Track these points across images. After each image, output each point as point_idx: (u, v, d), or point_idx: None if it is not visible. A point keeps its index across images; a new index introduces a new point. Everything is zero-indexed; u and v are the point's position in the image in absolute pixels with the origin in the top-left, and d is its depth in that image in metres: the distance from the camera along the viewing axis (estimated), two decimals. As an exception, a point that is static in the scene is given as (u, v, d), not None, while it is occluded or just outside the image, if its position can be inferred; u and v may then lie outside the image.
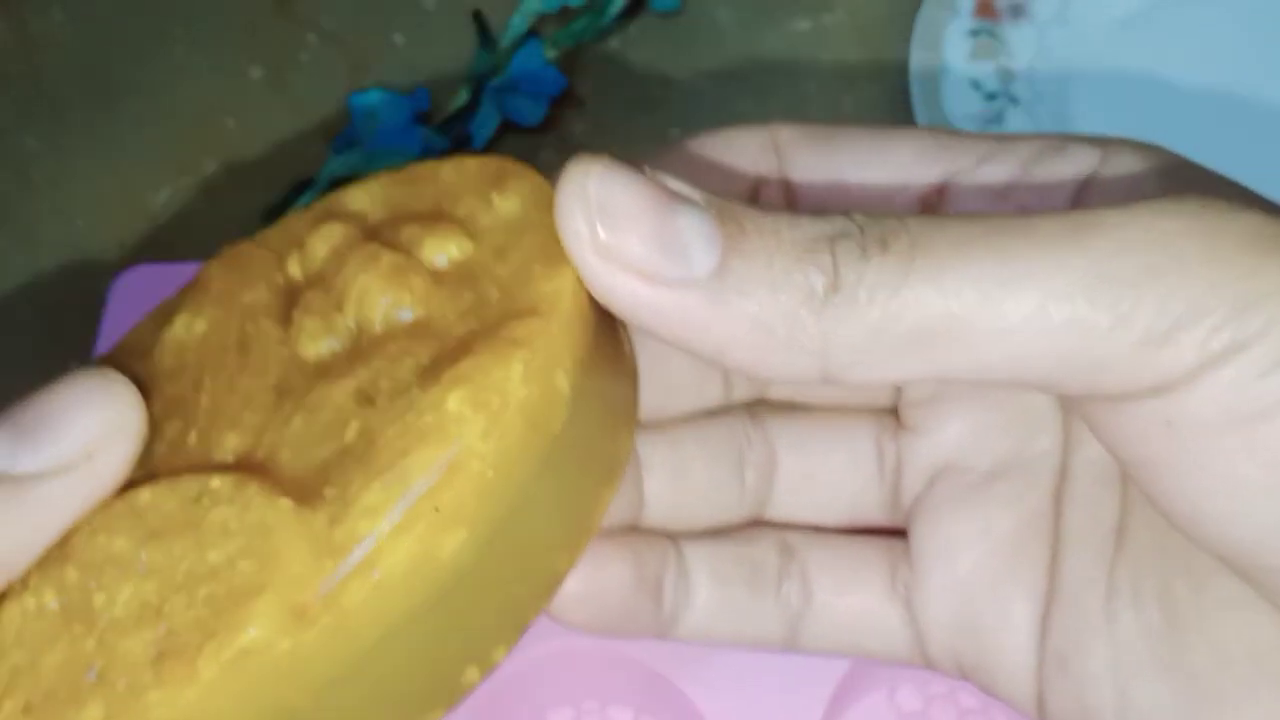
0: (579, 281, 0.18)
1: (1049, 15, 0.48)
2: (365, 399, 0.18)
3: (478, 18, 0.46)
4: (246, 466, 0.18)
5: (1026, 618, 0.21)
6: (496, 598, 0.19)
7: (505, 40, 0.46)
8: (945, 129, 0.21)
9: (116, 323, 0.36)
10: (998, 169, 0.20)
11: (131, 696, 0.16)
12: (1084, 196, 0.20)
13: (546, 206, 0.18)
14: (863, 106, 0.46)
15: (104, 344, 0.35)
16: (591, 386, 0.19)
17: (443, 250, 0.19)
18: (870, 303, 0.16)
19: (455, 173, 0.21)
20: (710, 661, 0.29)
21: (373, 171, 0.42)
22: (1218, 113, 0.45)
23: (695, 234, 0.16)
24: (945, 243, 0.16)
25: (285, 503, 0.17)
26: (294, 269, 0.20)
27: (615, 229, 0.17)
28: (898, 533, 0.23)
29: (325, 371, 0.18)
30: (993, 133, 0.21)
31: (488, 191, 0.20)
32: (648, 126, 0.45)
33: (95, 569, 0.17)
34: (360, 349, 0.18)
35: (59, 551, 0.17)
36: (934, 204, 0.21)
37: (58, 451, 0.17)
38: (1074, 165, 0.20)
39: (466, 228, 0.20)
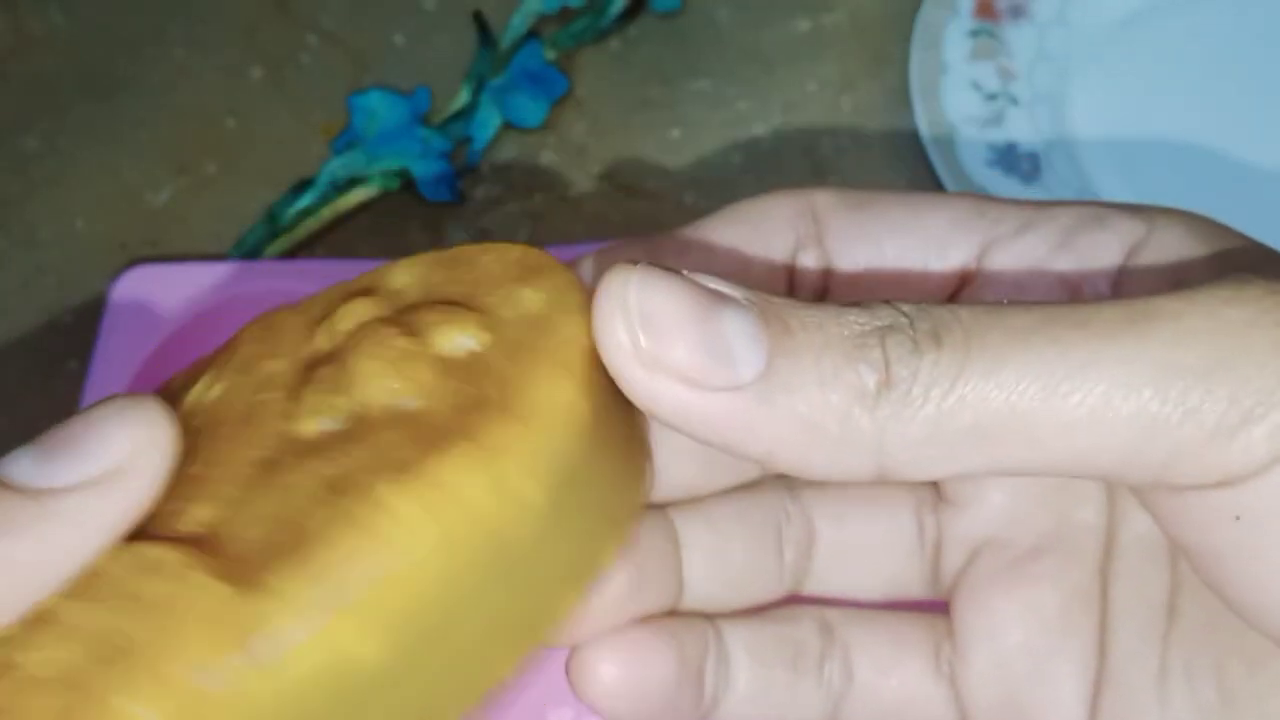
0: (581, 389, 0.18)
1: (1049, 16, 0.48)
2: (335, 488, 0.17)
3: (478, 18, 0.46)
4: (205, 541, 0.17)
5: (1075, 698, 0.20)
6: (413, 704, 0.18)
7: (506, 41, 0.46)
8: (983, 195, 0.21)
9: (117, 322, 0.36)
10: (1037, 238, 0.20)
11: None
12: (1129, 270, 0.19)
13: (571, 309, 0.18)
14: (862, 106, 0.46)
15: (104, 344, 0.36)
16: (578, 497, 0.18)
17: (456, 339, 0.19)
18: (926, 399, 0.16)
19: (496, 260, 0.20)
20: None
21: (373, 172, 0.42)
22: (1216, 113, 0.45)
23: (740, 336, 0.16)
24: (1000, 334, 0.16)
25: (222, 588, 0.16)
26: (322, 341, 0.20)
27: (659, 337, 0.16)
28: (939, 604, 0.23)
29: (315, 451, 0.18)
30: (1030, 199, 0.21)
31: (518, 284, 0.20)
32: (648, 126, 0.45)
33: (31, 624, 0.16)
34: (354, 434, 0.18)
35: None
36: (974, 275, 0.20)
37: (86, 467, 0.16)
38: (1118, 237, 0.19)
39: (489, 319, 0.19)
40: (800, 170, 0.44)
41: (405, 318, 0.19)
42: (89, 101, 0.46)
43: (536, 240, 0.42)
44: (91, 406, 0.17)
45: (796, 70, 0.47)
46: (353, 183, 0.42)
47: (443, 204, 0.43)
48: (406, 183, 0.43)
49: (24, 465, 0.16)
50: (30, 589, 0.16)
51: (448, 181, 0.42)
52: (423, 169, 0.42)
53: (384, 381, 0.18)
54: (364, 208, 0.43)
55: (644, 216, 0.42)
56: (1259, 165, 0.44)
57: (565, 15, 0.47)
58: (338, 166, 0.42)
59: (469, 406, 0.18)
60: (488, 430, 0.17)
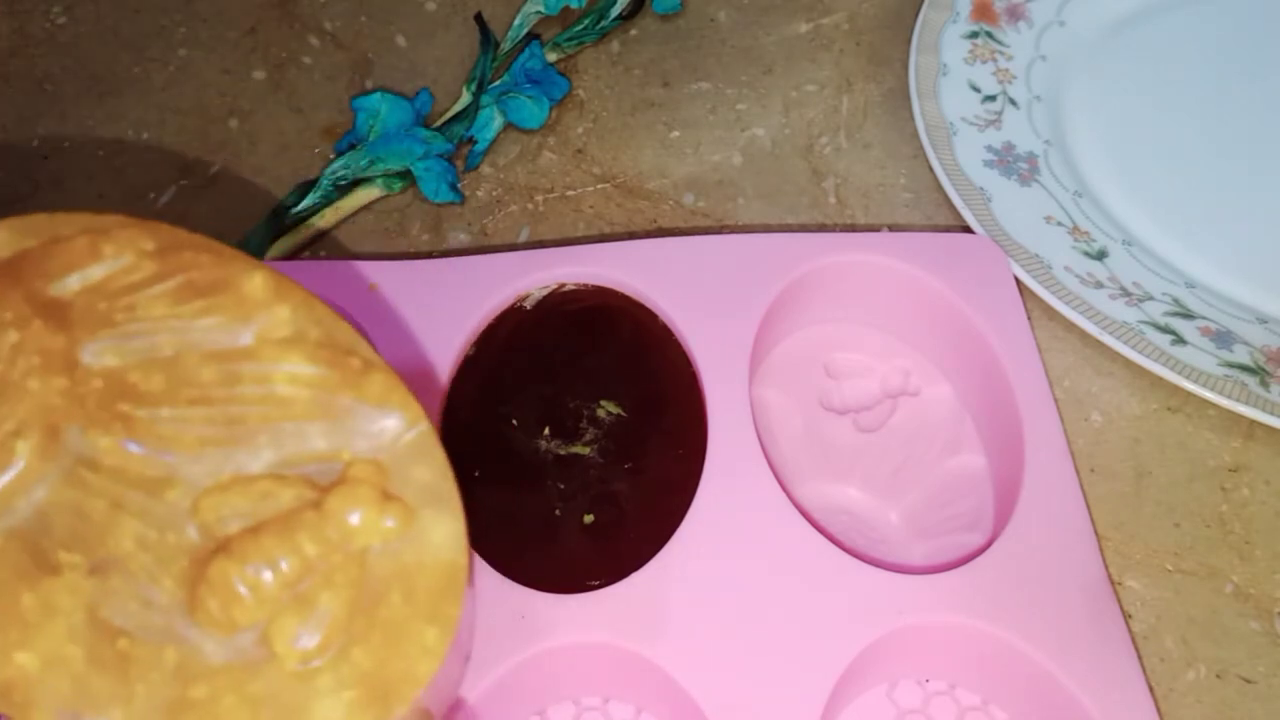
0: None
1: (1046, 18, 0.48)
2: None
3: (479, 20, 0.46)
4: None
5: None
6: None
7: (507, 42, 0.46)
8: None
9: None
10: None
11: None
12: None
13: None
14: (861, 108, 0.46)
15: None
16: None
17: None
18: None
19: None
20: (711, 658, 0.29)
21: (375, 173, 0.42)
22: (1212, 113, 0.46)
23: None
24: None
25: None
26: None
27: None
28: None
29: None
30: None
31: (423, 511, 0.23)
32: (648, 127, 0.46)
33: None
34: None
35: None
36: None
37: None
38: None
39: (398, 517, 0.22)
40: (799, 171, 0.44)
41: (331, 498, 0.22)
42: (91, 102, 0.46)
43: (537, 240, 0.42)
44: None
45: (796, 71, 0.48)
46: (355, 184, 0.42)
47: (445, 204, 0.43)
48: (409, 184, 0.43)
49: None
50: None
51: (449, 182, 0.42)
52: (425, 170, 0.42)
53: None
54: (366, 208, 0.43)
55: (644, 216, 0.43)
56: (1254, 165, 0.44)
57: (566, 17, 0.48)
58: (340, 167, 0.42)
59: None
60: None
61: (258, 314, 0.22)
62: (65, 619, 0.20)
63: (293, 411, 0.22)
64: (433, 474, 0.22)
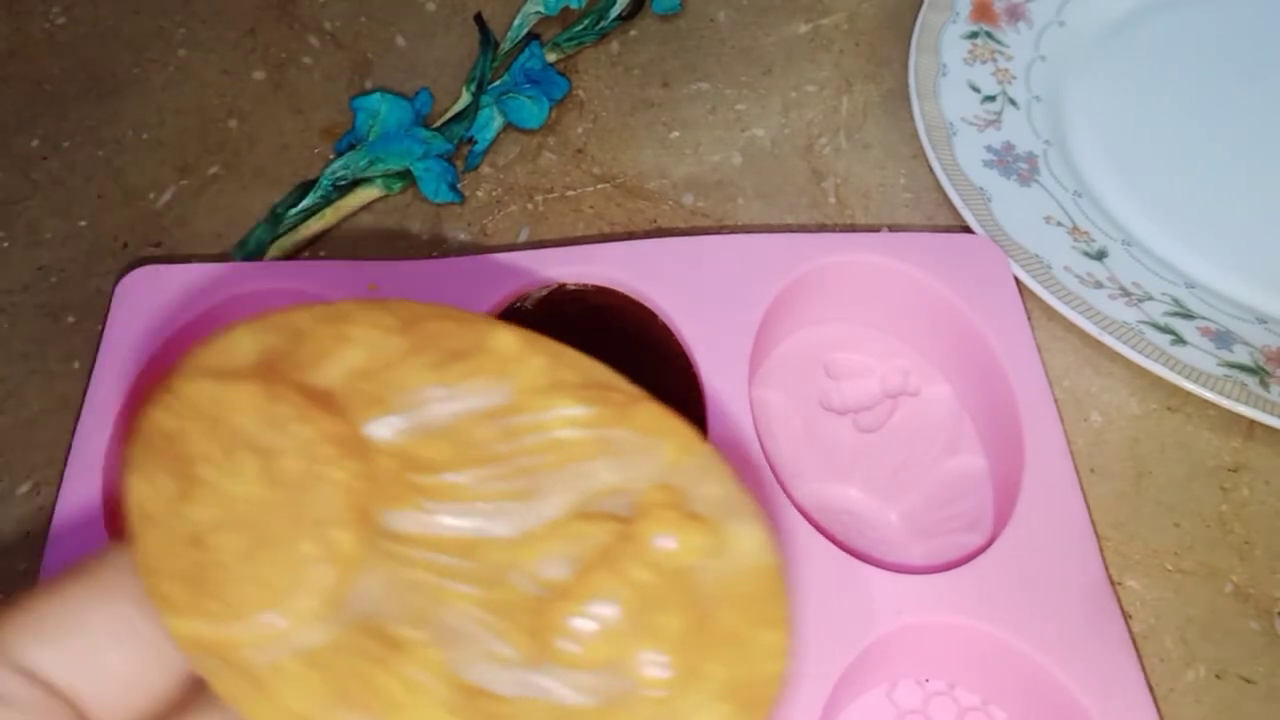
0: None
1: (1045, 18, 0.48)
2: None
3: (479, 20, 0.46)
4: None
5: None
6: None
7: (507, 42, 0.46)
8: None
9: (120, 323, 0.36)
10: None
11: None
12: None
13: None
14: (861, 108, 0.46)
15: (107, 344, 0.36)
16: None
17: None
18: None
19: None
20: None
21: (375, 173, 0.42)
22: (1211, 112, 0.46)
23: None
24: None
25: None
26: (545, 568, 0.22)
27: None
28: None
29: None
30: None
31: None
32: (648, 127, 0.46)
33: None
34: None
35: None
36: None
37: None
38: None
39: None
40: (798, 171, 0.44)
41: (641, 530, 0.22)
42: (91, 102, 0.46)
43: (537, 240, 0.42)
44: None
45: (795, 72, 0.48)
46: (355, 184, 0.42)
47: (444, 204, 0.43)
48: (408, 184, 0.43)
49: None
50: None
51: (449, 182, 0.42)
52: (424, 170, 0.42)
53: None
54: (366, 208, 0.43)
55: (644, 216, 0.43)
56: (1254, 164, 0.44)
57: (566, 17, 0.48)
58: (340, 168, 0.42)
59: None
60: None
61: (515, 368, 0.22)
62: (432, 693, 0.20)
63: (576, 453, 0.22)
64: (723, 488, 0.23)
